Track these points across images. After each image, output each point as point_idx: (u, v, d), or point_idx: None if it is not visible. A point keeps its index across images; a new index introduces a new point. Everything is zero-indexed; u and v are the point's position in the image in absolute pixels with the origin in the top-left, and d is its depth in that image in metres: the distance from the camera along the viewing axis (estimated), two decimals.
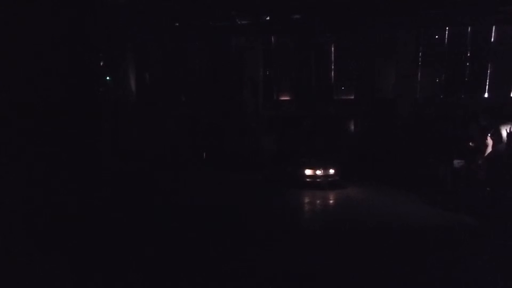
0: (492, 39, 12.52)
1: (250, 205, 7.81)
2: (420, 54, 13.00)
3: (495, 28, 12.42)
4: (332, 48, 13.42)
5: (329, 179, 9.31)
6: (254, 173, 10.84)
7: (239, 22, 12.39)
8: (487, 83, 12.73)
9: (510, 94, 12.60)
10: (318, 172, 9.32)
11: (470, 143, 7.50)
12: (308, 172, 9.35)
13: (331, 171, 9.36)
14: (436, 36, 12.98)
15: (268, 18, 12.61)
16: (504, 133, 6.32)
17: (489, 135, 6.94)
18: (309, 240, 5.63)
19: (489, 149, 6.79)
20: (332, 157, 10.00)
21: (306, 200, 8.30)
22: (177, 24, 13.08)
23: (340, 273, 4.34)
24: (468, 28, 12.55)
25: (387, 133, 12.34)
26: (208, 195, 8.59)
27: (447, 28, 12.69)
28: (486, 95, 12.81)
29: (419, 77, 13.07)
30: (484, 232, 5.80)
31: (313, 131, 10.23)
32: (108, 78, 13.09)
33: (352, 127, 13.45)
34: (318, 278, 4.20)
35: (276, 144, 12.47)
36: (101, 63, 6.82)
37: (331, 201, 8.13)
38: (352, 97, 13.59)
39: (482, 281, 4.12)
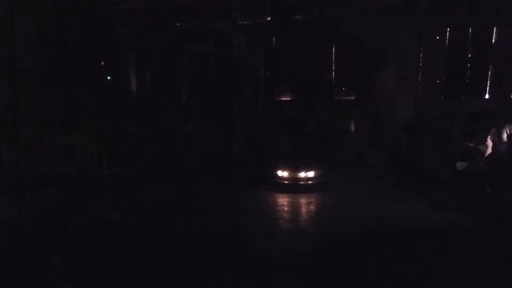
0: (493, 41, 12.52)
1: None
2: (421, 55, 13.00)
3: (496, 29, 12.42)
4: (333, 49, 13.43)
5: (311, 181, 8.66)
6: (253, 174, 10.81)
7: (240, 23, 12.40)
8: (488, 84, 12.72)
9: (511, 95, 12.59)
10: (299, 174, 8.66)
11: (471, 144, 7.50)
12: (285, 174, 8.72)
13: (314, 173, 8.70)
14: (437, 38, 12.98)
15: (269, 18, 12.61)
16: (504, 135, 6.32)
17: (489, 136, 6.95)
18: (305, 243, 5.62)
19: (489, 150, 6.79)
20: (323, 159, 9.57)
21: (298, 201, 8.18)
22: (178, 24, 13.10)
23: (340, 276, 4.33)
24: (469, 29, 12.55)
25: (388, 134, 12.35)
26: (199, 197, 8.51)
27: (448, 29, 12.70)
28: (487, 96, 12.80)
29: (420, 78, 13.07)
30: (485, 233, 5.80)
31: (312, 132, 10.09)
32: (109, 77, 13.12)
33: (353, 128, 13.45)
34: (317, 279, 4.21)
35: (277, 145, 12.46)
36: (102, 63, 6.85)
37: (328, 203, 8.08)
38: (353, 98, 13.60)
39: (483, 282, 4.12)
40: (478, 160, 6.96)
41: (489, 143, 6.79)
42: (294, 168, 8.76)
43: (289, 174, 8.72)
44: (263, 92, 13.85)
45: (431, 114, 11.74)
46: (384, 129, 12.72)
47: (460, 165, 7.39)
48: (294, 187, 8.61)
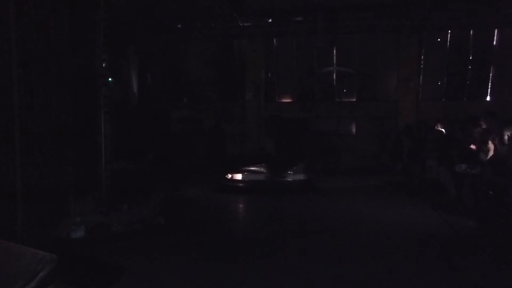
0: (494, 42, 12.51)
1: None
2: (422, 56, 12.99)
3: (497, 31, 12.41)
4: (334, 50, 13.42)
5: (241, 184, 9.15)
6: None
7: (241, 24, 12.42)
8: (489, 86, 12.71)
9: None
10: (227, 176, 9.18)
11: (472, 147, 7.49)
12: (228, 176, 9.19)
13: (241, 176, 9.19)
14: (438, 39, 12.97)
15: (270, 20, 12.64)
16: (506, 137, 6.31)
17: (490, 138, 6.93)
18: (304, 241, 5.62)
19: (491, 153, 6.78)
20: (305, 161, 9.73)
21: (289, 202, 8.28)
22: (180, 25, 13.12)
23: (340, 278, 4.33)
24: (470, 31, 12.54)
25: (388, 135, 12.34)
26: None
27: (449, 31, 12.70)
28: (488, 98, 12.79)
29: (421, 80, 13.06)
30: (487, 236, 5.79)
31: (311, 133, 10.07)
32: (110, 79, 13.10)
33: (354, 129, 13.44)
34: (317, 282, 4.21)
35: (276, 146, 12.44)
36: (103, 65, 6.84)
37: (328, 202, 8.07)
38: (354, 99, 13.60)
39: (484, 284, 4.12)
40: (479, 163, 6.94)
41: (491, 145, 6.77)
42: (234, 170, 9.29)
43: (226, 176, 9.26)
44: (264, 94, 13.84)
45: (432, 116, 11.76)
46: (385, 131, 12.72)
47: (459, 167, 7.38)
48: (230, 188, 9.07)
